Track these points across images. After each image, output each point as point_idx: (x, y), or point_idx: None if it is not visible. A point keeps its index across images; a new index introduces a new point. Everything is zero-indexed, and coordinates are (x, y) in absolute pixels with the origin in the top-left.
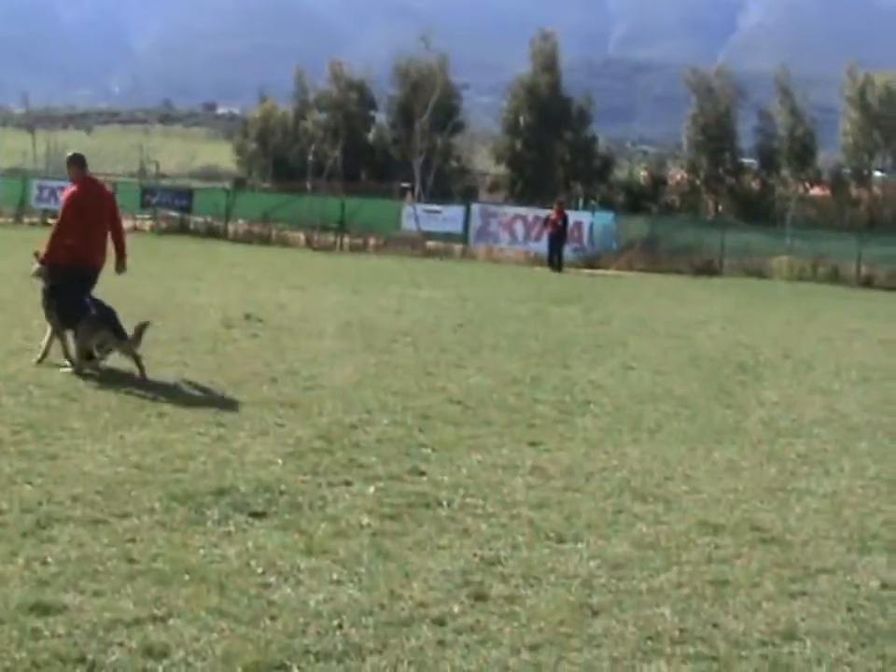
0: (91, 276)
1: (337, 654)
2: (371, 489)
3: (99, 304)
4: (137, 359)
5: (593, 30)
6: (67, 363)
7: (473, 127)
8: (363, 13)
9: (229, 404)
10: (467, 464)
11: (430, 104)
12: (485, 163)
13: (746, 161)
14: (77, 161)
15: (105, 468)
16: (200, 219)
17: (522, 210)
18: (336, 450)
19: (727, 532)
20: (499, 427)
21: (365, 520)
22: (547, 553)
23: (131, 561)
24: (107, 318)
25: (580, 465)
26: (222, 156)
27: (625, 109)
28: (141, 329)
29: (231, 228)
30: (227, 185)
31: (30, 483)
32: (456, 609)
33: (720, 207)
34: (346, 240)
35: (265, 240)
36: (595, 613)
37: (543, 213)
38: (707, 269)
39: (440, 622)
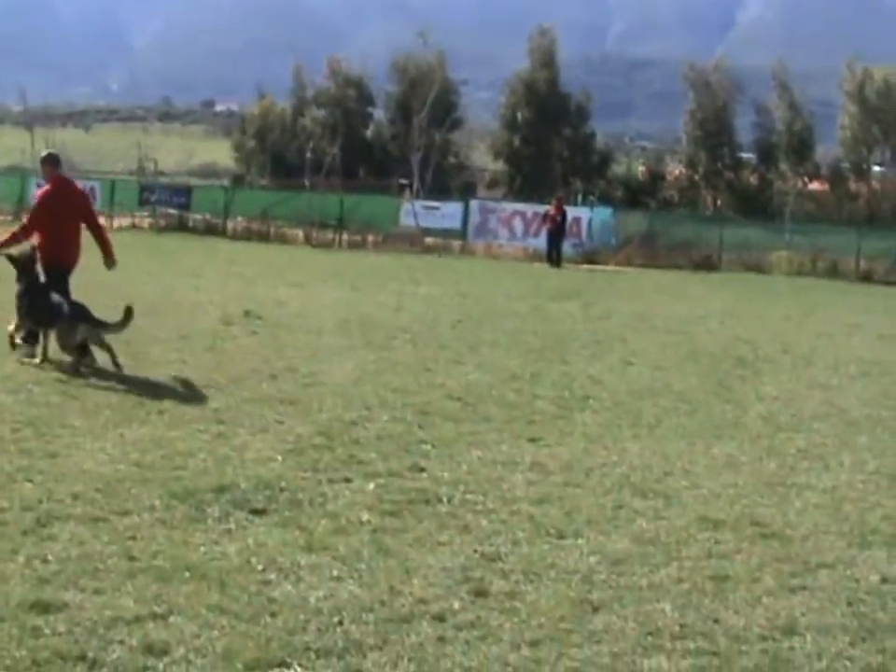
0: (63, 275)
1: (337, 651)
2: (371, 486)
3: (69, 302)
4: (111, 350)
5: (591, 26)
6: (36, 358)
7: (471, 123)
8: (361, 9)
9: (228, 401)
10: (466, 460)
11: (428, 100)
12: (484, 159)
13: (744, 155)
14: (51, 161)
15: (106, 465)
16: (198, 217)
17: (520, 206)
18: (336, 446)
19: (727, 527)
20: (499, 423)
21: (365, 516)
22: (547, 549)
23: (131, 559)
24: (80, 313)
25: (579, 460)
26: (220, 153)
27: (624, 105)
28: (128, 313)
29: (229, 225)
30: (225, 182)
31: (30, 481)
32: (457, 605)
33: (718, 202)
34: (345, 237)
35: (264, 237)
36: (596, 609)
37: (542, 209)
38: (706, 264)
39: (440, 618)
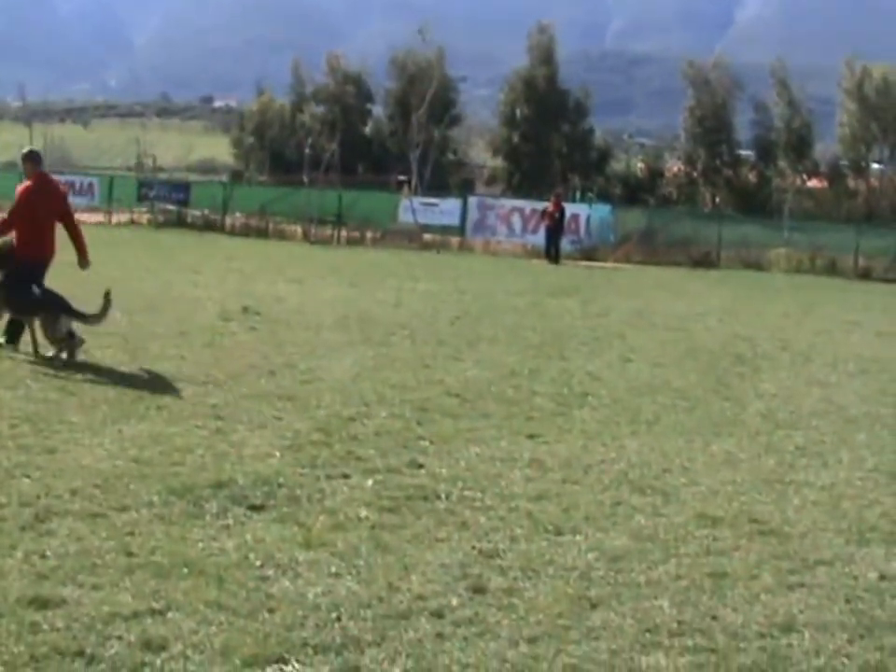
0: (41, 268)
1: (335, 647)
2: (370, 482)
3: (48, 292)
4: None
5: (590, 23)
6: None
7: (470, 120)
8: (361, 7)
9: (227, 397)
10: (465, 456)
11: (427, 96)
12: (482, 156)
13: (743, 153)
14: (33, 158)
15: (104, 461)
16: (197, 213)
17: (519, 203)
18: (334, 443)
19: (725, 524)
20: (497, 419)
21: (363, 513)
22: (545, 546)
23: (129, 554)
24: (61, 304)
25: (578, 457)
26: (219, 149)
27: (622, 102)
28: (107, 299)
29: (228, 221)
30: (224, 178)
31: (28, 477)
32: (455, 601)
33: (717, 199)
34: (343, 233)
35: (262, 233)
36: (594, 605)
37: (540, 205)
38: (705, 261)
39: (438, 614)
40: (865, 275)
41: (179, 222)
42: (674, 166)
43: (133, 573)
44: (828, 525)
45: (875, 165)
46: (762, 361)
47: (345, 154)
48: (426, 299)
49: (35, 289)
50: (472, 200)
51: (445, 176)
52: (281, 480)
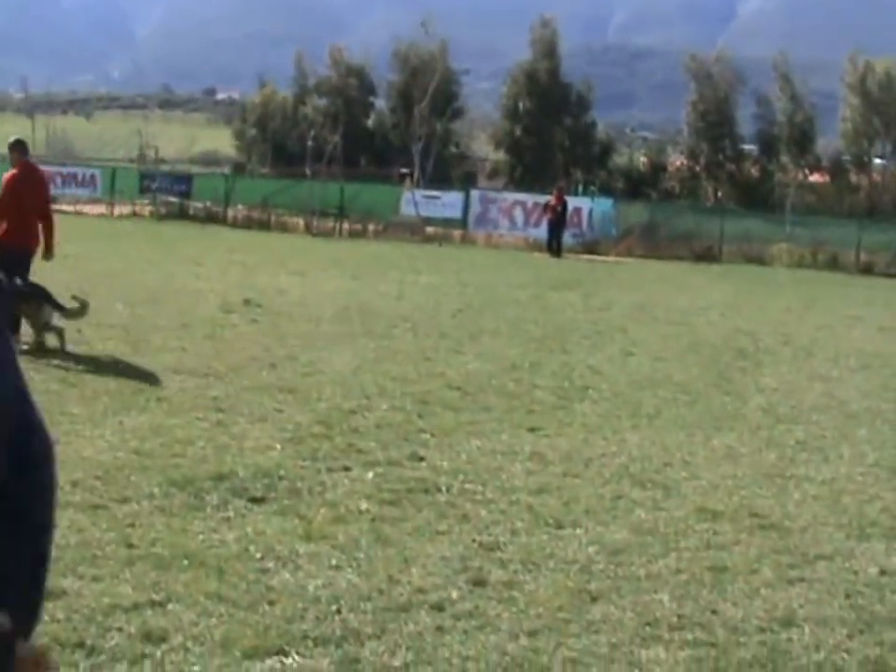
0: (27, 258)
1: (335, 639)
2: (370, 474)
3: (31, 283)
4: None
5: (592, 16)
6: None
7: (473, 113)
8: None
9: (228, 390)
10: (466, 449)
11: (430, 89)
12: (485, 149)
13: (745, 147)
14: (19, 147)
15: (105, 453)
16: (199, 205)
17: (521, 196)
18: (335, 435)
19: (726, 518)
20: (498, 412)
21: (364, 505)
22: (546, 539)
23: (130, 546)
24: (43, 294)
25: (578, 451)
26: (222, 141)
27: (625, 95)
28: (83, 304)
29: (230, 213)
30: (226, 170)
31: None
32: (455, 594)
33: (719, 193)
34: (346, 225)
35: (264, 225)
36: (594, 599)
37: (543, 199)
38: (707, 255)
39: (438, 607)
40: (867, 270)
41: (181, 214)
42: (676, 160)
43: (134, 565)
44: (828, 520)
45: (878, 160)
46: (763, 356)
47: (348, 146)
48: (427, 291)
49: (19, 280)
50: (475, 193)
51: (447, 169)
52: (282, 472)
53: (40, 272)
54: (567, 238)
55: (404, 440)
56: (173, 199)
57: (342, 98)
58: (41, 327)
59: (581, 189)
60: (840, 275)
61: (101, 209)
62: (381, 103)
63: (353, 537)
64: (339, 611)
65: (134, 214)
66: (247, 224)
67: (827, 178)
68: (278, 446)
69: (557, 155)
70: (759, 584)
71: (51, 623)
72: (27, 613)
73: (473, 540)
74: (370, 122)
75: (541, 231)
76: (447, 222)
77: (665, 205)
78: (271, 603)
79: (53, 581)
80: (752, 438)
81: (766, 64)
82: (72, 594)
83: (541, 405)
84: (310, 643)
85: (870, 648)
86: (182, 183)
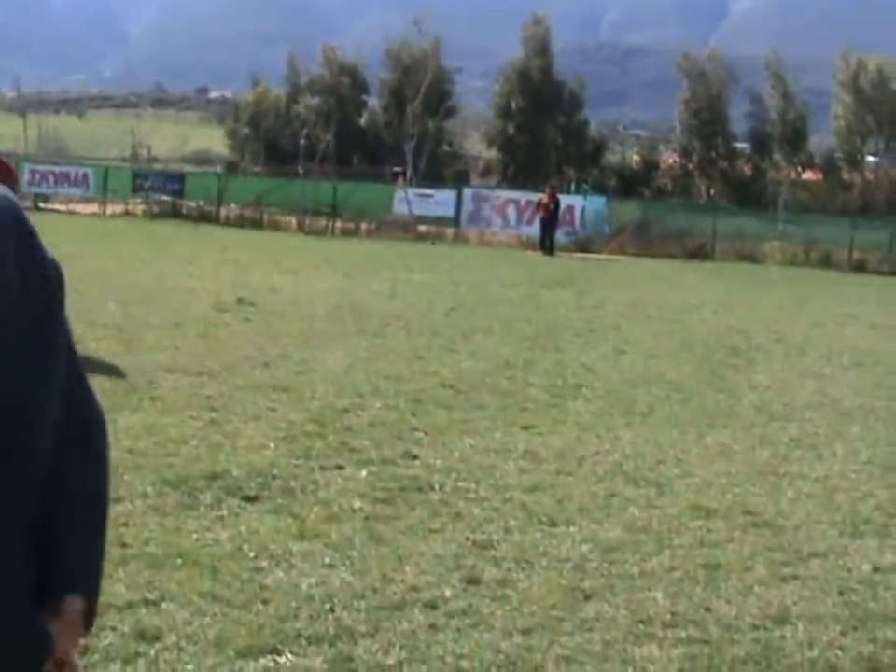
0: None
1: (329, 638)
2: (364, 473)
3: None
4: None
5: (585, 14)
6: None
7: (465, 111)
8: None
9: (221, 388)
10: (459, 448)
11: (422, 88)
12: (477, 147)
13: (738, 145)
14: None
15: None
16: (192, 204)
17: (514, 194)
18: (328, 434)
19: (719, 516)
20: (492, 410)
21: (357, 504)
22: (539, 537)
23: (123, 545)
24: None
25: (572, 449)
26: (214, 140)
27: (618, 93)
28: None
29: (223, 212)
30: (219, 169)
31: None
32: (448, 592)
33: (712, 191)
34: (338, 224)
35: (257, 224)
36: (587, 597)
37: (535, 197)
38: (700, 253)
39: (432, 605)
40: (860, 268)
41: (174, 213)
42: (669, 158)
43: (127, 564)
44: (822, 517)
45: (870, 158)
46: (756, 353)
47: (340, 145)
48: (420, 290)
49: None
50: (467, 191)
51: (440, 168)
52: (275, 471)
53: None
54: (560, 236)
55: (397, 438)
56: (165, 198)
57: (334, 97)
58: None
59: (573, 187)
60: (833, 273)
61: (93, 208)
62: (373, 101)
63: (346, 535)
64: (332, 610)
65: (127, 213)
66: (240, 223)
67: (820, 176)
68: (272, 445)
69: (550, 153)
70: (752, 582)
71: None
72: (94, 588)
73: (467, 538)
74: (362, 121)
75: (534, 230)
76: (440, 220)
77: (657, 203)
78: (264, 602)
79: None
80: (745, 435)
81: (759, 62)
82: None
83: (535, 403)
84: (303, 642)
85: (863, 645)
86: (175, 182)
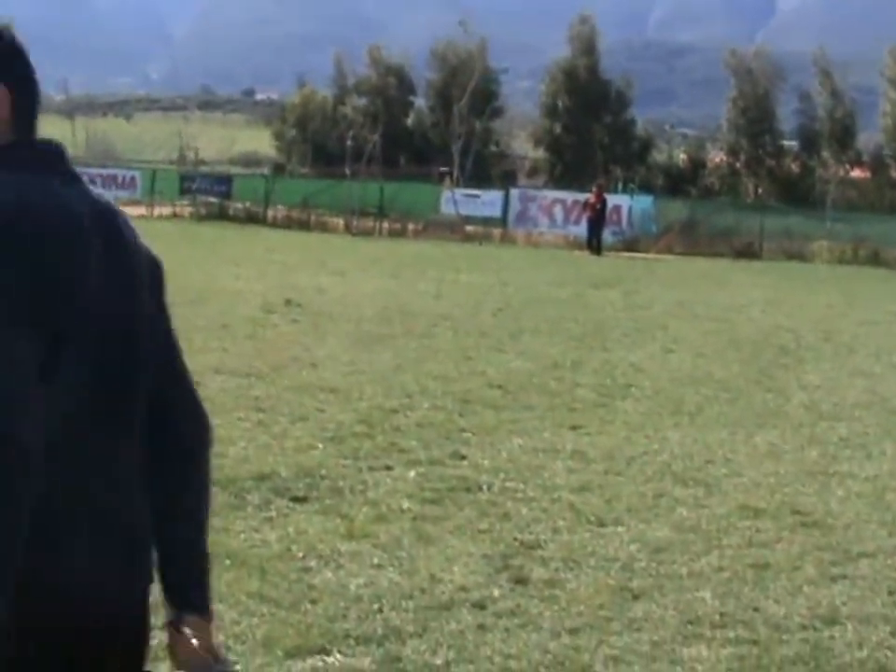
0: None
1: (377, 638)
2: (412, 473)
3: None
4: None
5: (632, 12)
6: None
7: (512, 111)
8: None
9: (269, 389)
10: (507, 448)
11: (469, 88)
12: (524, 147)
13: (786, 143)
14: None
15: None
16: (239, 205)
17: (561, 194)
18: (376, 434)
19: (768, 516)
20: (540, 411)
21: (406, 504)
22: (587, 537)
23: None
24: None
25: (620, 449)
26: (261, 142)
27: (664, 92)
28: None
29: (270, 213)
30: (266, 171)
31: None
32: (497, 592)
33: (759, 190)
34: (385, 225)
35: (304, 225)
36: (636, 597)
37: (582, 196)
38: (747, 252)
39: (480, 605)
40: None
41: (221, 215)
42: (716, 157)
43: None
44: (871, 517)
45: None
46: (805, 352)
47: (387, 146)
48: (468, 290)
49: None
50: (514, 191)
51: (487, 168)
52: (323, 471)
53: None
54: (607, 236)
55: (445, 438)
56: (213, 200)
57: (381, 98)
58: None
59: (620, 186)
60: (882, 271)
61: (141, 210)
62: (420, 102)
63: (394, 535)
64: (380, 610)
65: (174, 215)
66: (287, 224)
67: (868, 174)
68: (320, 445)
69: (597, 152)
70: (801, 582)
71: None
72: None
73: (515, 539)
74: (409, 121)
75: (581, 229)
76: (487, 221)
77: (704, 202)
78: (312, 602)
79: None
80: (794, 435)
81: (806, 59)
82: None
83: (583, 403)
84: (352, 642)
85: None
86: (222, 184)
